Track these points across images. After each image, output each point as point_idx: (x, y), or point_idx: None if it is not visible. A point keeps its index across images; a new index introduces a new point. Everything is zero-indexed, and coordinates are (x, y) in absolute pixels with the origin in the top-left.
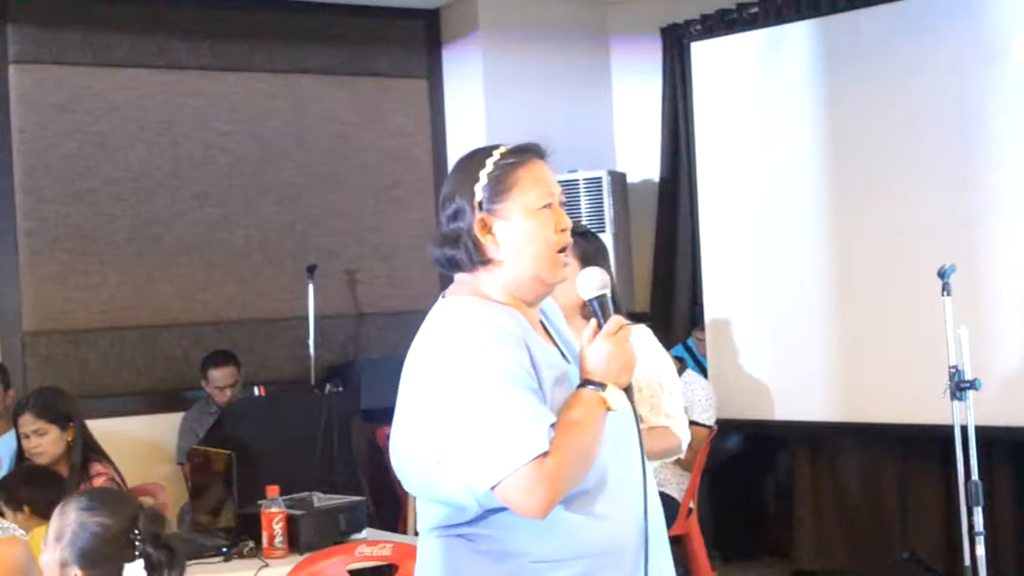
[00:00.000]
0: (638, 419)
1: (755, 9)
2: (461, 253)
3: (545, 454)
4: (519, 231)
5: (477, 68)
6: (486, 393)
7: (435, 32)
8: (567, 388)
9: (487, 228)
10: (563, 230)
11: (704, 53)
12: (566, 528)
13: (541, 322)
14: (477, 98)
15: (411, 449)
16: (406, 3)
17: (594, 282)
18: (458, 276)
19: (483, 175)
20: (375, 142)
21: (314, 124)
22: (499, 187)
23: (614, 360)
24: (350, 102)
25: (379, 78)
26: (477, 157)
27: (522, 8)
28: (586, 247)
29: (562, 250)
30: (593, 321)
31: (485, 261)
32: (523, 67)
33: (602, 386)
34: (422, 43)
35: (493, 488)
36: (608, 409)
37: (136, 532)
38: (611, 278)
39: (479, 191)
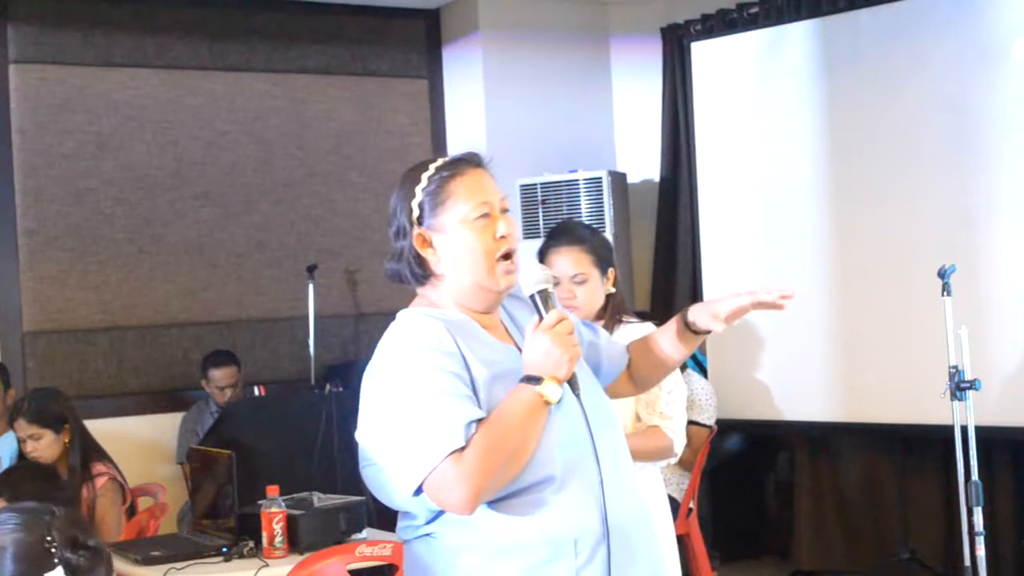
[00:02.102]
0: (586, 411)
1: (755, 9)
2: (405, 269)
3: (462, 450)
4: (456, 243)
5: (477, 68)
6: (407, 401)
7: (435, 32)
8: (512, 384)
9: (427, 243)
10: (502, 237)
11: (704, 53)
12: (516, 520)
13: (504, 323)
14: (477, 98)
15: (364, 460)
16: (406, 3)
17: (535, 277)
18: (418, 290)
19: (418, 191)
20: (375, 142)
21: (314, 124)
22: (434, 201)
23: (550, 354)
24: (350, 102)
25: (379, 78)
26: (414, 172)
27: (522, 8)
28: (600, 250)
29: (505, 257)
30: (535, 316)
31: (427, 275)
32: (523, 67)
33: (538, 380)
34: (422, 43)
35: (421, 490)
36: (546, 403)
37: (50, 540)
38: (616, 275)
39: (415, 207)
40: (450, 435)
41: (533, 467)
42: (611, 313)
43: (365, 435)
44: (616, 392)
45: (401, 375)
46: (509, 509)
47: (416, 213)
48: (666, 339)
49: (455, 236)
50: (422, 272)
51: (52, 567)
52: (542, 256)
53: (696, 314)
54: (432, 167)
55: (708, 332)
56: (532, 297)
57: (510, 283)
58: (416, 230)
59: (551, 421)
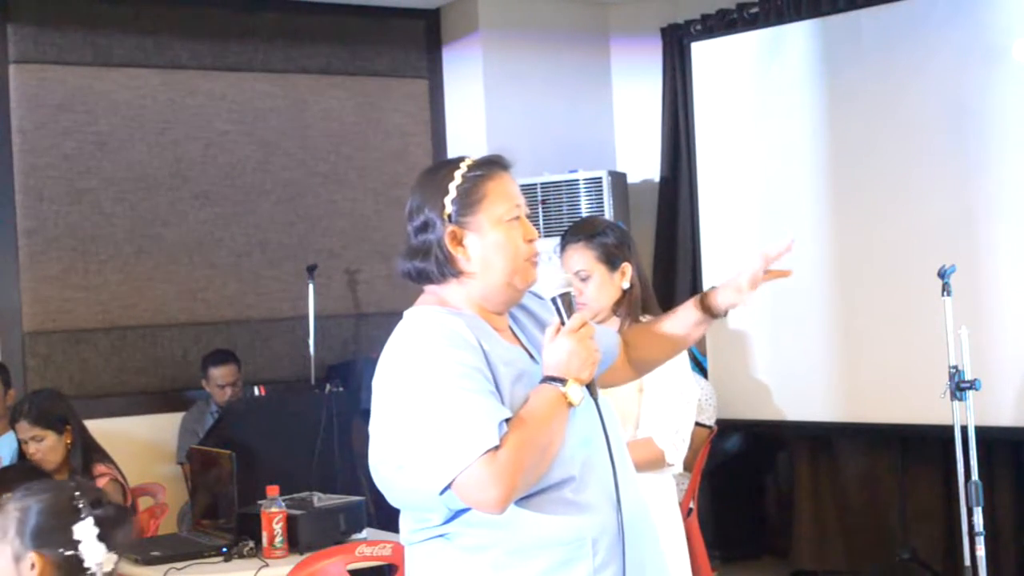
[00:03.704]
0: (602, 413)
1: (755, 9)
2: (432, 265)
3: (496, 449)
4: (489, 243)
5: (477, 68)
6: (436, 397)
7: (435, 32)
8: (529, 385)
9: (458, 240)
10: (531, 240)
11: (704, 53)
12: (538, 519)
13: (510, 327)
14: (477, 98)
15: (379, 458)
16: (406, 3)
17: (556, 280)
18: (426, 287)
19: (452, 188)
20: (375, 142)
21: (314, 124)
22: (468, 200)
23: (574, 356)
24: (350, 102)
25: (379, 78)
26: (444, 169)
27: (522, 8)
28: (607, 245)
29: (529, 259)
30: (556, 319)
31: (456, 273)
32: (523, 67)
33: (562, 382)
34: (422, 43)
35: (450, 487)
36: (570, 404)
37: (77, 495)
38: (639, 270)
39: (449, 204)
40: (485, 434)
41: (555, 467)
42: (627, 310)
43: (383, 432)
44: (613, 379)
45: (427, 372)
46: (530, 508)
47: (448, 210)
48: (679, 325)
49: (489, 236)
50: (451, 270)
51: (80, 519)
52: (560, 255)
53: (721, 295)
54: (464, 165)
55: (727, 311)
56: (554, 300)
57: (534, 280)
58: (449, 227)
59: (571, 422)
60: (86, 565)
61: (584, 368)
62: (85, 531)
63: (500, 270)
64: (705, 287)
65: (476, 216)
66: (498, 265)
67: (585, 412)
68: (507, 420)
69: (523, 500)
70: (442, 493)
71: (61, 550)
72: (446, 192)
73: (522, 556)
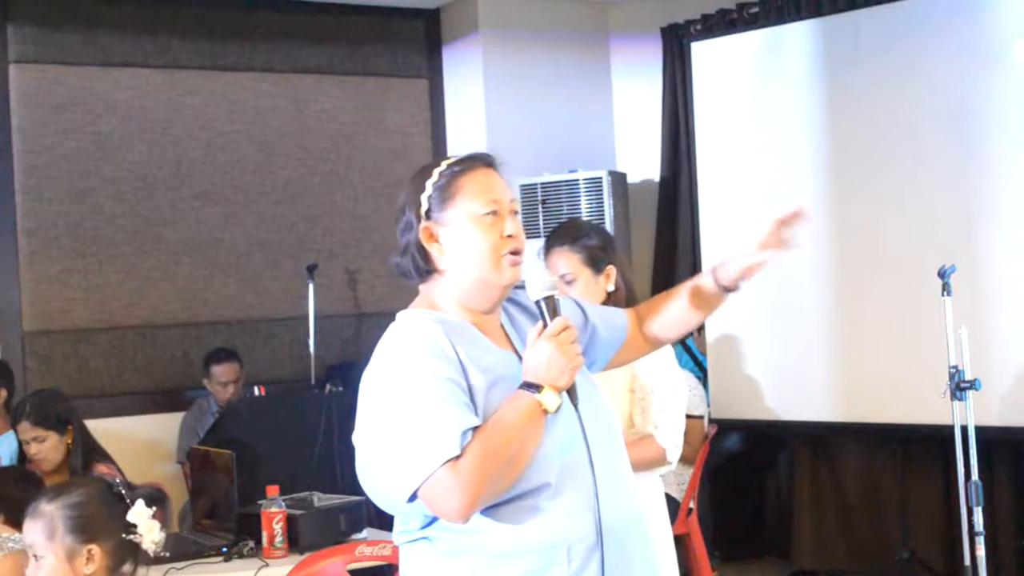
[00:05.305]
0: (582, 418)
1: (755, 9)
2: (409, 263)
3: (458, 458)
4: (462, 237)
5: (477, 68)
6: (404, 407)
7: (435, 32)
8: (509, 390)
9: (432, 237)
10: (509, 236)
11: (704, 53)
12: (511, 526)
13: (503, 326)
14: (477, 98)
15: (362, 464)
16: (406, 3)
17: (542, 283)
18: (420, 287)
19: (429, 185)
20: (375, 142)
21: (314, 124)
22: (443, 195)
23: (554, 362)
24: (350, 102)
25: (379, 78)
26: (426, 169)
27: (522, 8)
28: (592, 248)
29: (512, 254)
30: (539, 323)
31: (431, 270)
32: (523, 67)
33: (538, 388)
34: (422, 43)
35: (416, 496)
36: (545, 411)
37: (117, 482)
38: (622, 272)
39: (424, 201)
40: (446, 443)
41: (529, 474)
42: None
43: (362, 439)
44: (629, 356)
45: (398, 380)
46: (504, 516)
47: (424, 207)
48: (700, 301)
49: (462, 231)
50: (426, 267)
51: (130, 504)
52: (544, 259)
53: (722, 271)
54: (444, 163)
55: (740, 284)
56: (538, 303)
57: (515, 276)
58: (423, 224)
59: (548, 428)
60: (144, 546)
61: (563, 375)
62: (139, 513)
63: (473, 264)
64: None
65: (448, 211)
66: (470, 260)
67: (565, 417)
68: (476, 428)
69: (497, 507)
70: (410, 501)
71: (120, 536)
72: (423, 190)
73: (498, 562)
